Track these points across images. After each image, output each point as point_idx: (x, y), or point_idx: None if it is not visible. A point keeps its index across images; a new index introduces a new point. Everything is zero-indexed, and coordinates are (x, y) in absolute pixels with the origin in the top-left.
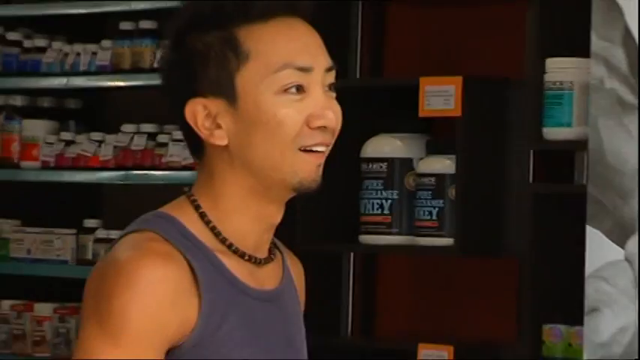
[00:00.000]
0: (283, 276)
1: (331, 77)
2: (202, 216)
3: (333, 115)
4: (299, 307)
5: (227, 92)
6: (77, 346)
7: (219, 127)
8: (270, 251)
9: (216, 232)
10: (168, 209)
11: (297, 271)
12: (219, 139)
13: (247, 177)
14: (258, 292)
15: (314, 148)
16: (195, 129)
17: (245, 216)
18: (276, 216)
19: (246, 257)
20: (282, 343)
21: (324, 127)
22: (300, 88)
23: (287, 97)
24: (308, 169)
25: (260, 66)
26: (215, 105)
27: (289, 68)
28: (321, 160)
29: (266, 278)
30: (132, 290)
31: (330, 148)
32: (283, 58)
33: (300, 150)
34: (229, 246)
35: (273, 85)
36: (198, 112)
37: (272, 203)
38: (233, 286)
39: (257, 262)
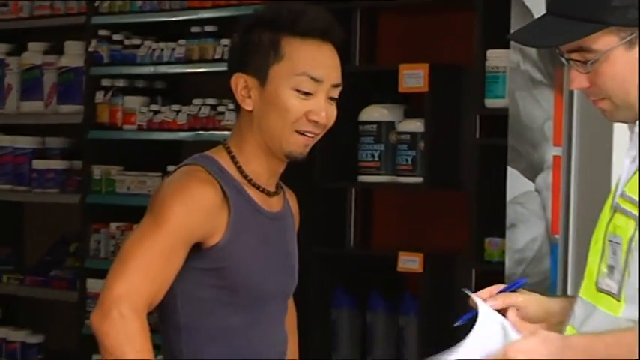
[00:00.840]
0: (284, 205)
1: (336, 92)
2: (232, 159)
3: (325, 115)
4: (294, 228)
5: (261, 76)
6: (135, 229)
7: (249, 97)
8: (276, 188)
9: (241, 170)
10: (210, 153)
11: (293, 204)
12: (248, 105)
13: (259, 137)
14: (267, 212)
15: (305, 134)
16: (235, 93)
17: (258, 162)
18: (278, 168)
19: (260, 189)
20: (283, 251)
21: (317, 122)
22: (307, 93)
23: (297, 94)
24: (297, 146)
25: (288, 67)
26: (251, 81)
27: (306, 75)
28: (309, 142)
29: (273, 205)
30: (179, 198)
31: (319, 136)
32: (304, 68)
33: (295, 132)
34: (249, 180)
35: (291, 82)
36: (239, 82)
37: (274, 158)
38: (251, 206)
39: (267, 193)
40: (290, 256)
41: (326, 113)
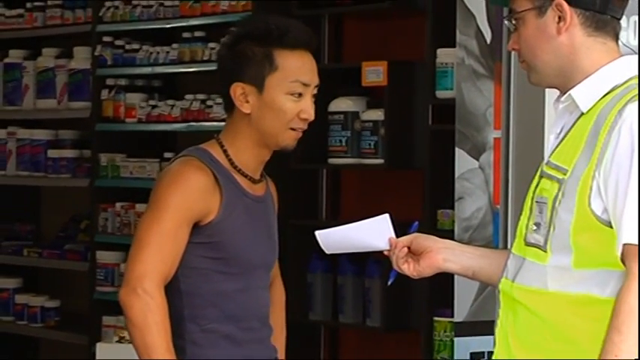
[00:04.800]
0: (266, 191)
1: (316, 90)
2: (224, 151)
3: (312, 113)
4: (275, 211)
5: (258, 85)
6: (144, 215)
7: (247, 102)
8: (260, 176)
9: (231, 161)
10: (204, 145)
11: (273, 190)
12: (246, 109)
13: (256, 134)
14: (252, 196)
15: (297, 129)
16: (234, 100)
17: (248, 154)
18: (266, 157)
19: (248, 177)
20: (266, 228)
21: (306, 119)
22: (299, 94)
23: (291, 98)
24: (290, 140)
25: (282, 76)
26: (249, 89)
27: (298, 82)
28: (299, 136)
29: (257, 190)
30: (177, 184)
31: (304, 129)
32: (296, 75)
33: (289, 129)
34: (238, 170)
35: (285, 88)
36: (237, 90)
37: (265, 149)
38: (239, 190)
39: (253, 180)
40: (271, 233)
41: (312, 111)
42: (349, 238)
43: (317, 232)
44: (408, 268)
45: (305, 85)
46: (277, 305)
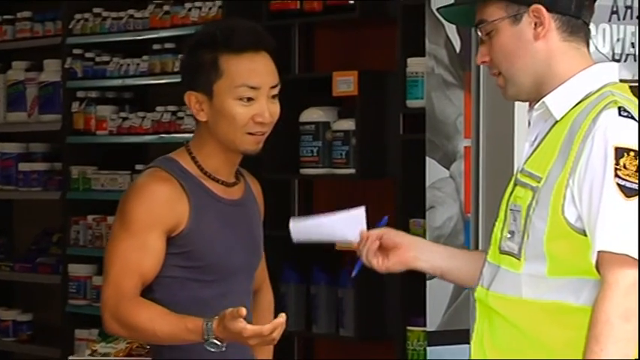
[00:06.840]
0: (245, 192)
1: (275, 91)
2: (193, 158)
3: (268, 115)
4: (259, 212)
5: (207, 92)
6: (109, 236)
7: (202, 110)
8: (236, 177)
9: (200, 168)
10: (173, 154)
11: (257, 189)
12: (202, 117)
13: (216, 140)
14: (227, 200)
15: (255, 134)
16: (189, 108)
17: (217, 159)
18: (236, 160)
19: (220, 181)
20: (246, 234)
21: (262, 122)
22: (250, 99)
23: (241, 103)
24: (250, 144)
25: (228, 82)
26: (201, 97)
27: (245, 86)
28: (260, 139)
29: (233, 193)
30: (140, 198)
31: (267, 133)
32: (242, 80)
33: (245, 133)
34: (209, 175)
35: (233, 94)
36: (192, 99)
37: (232, 154)
38: (210, 196)
39: (226, 184)
40: (253, 234)
41: (269, 112)
42: (321, 229)
43: (291, 220)
44: (377, 263)
45: (254, 88)
46: (266, 311)
